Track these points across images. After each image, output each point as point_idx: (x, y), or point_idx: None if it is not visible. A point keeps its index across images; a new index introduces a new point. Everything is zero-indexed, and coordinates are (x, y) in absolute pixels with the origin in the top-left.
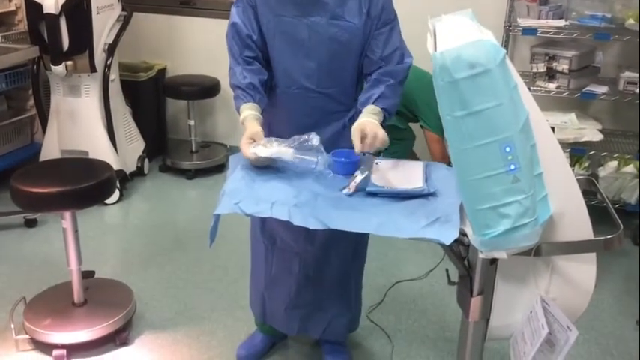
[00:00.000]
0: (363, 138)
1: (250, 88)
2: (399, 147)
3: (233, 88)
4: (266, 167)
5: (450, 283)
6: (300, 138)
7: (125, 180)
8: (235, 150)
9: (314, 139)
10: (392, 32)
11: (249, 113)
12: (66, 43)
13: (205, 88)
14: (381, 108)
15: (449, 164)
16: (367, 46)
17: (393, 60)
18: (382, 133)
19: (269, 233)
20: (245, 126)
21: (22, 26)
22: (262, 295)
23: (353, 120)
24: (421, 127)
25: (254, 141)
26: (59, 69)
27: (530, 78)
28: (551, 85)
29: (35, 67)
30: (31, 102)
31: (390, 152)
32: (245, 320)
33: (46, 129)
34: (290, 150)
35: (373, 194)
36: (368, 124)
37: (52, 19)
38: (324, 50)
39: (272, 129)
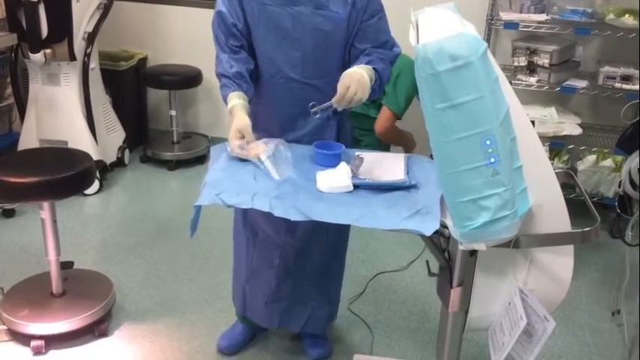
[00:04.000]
0: (346, 88)
1: (238, 77)
2: (370, 139)
3: (219, 77)
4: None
5: (430, 274)
6: (274, 144)
7: (105, 170)
8: (217, 141)
9: (289, 152)
10: (380, 23)
11: (238, 102)
12: (45, 31)
13: (187, 78)
14: (373, 67)
15: (385, 146)
16: (355, 37)
17: (384, 48)
18: (362, 89)
19: (251, 225)
20: (233, 115)
21: (0, 13)
22: (243, 289)
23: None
24: (381, 103)
25: (242, 135)
26: (38, 57)
27: (511, 72)
28: (532, 79)
29: (13, 54)
30: (9, 90)
31: (362, 145)
32: (225, 311)
33: (24, 118)
34: (268, 160)
35: (355, 186)
36: (355, 74)
37: (31, 6)
38: (309, 40)
39: (257, 119)
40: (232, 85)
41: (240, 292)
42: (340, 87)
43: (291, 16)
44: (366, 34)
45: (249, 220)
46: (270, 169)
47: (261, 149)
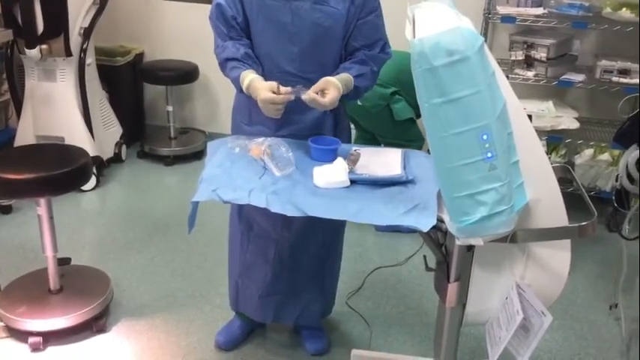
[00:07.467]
0: (322, 92)
1: (246, 57)
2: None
3: (225, 62)
4: (244, 154)
5: (428, 269)
6: (275, 143)
7: (102, 166)
8: (214, 136)
9: (290, 153)
10: (376, 20)
11: (255, 76)
12: (40, 26)
13: (184, 74)
14: (355, 85)
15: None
16: (351, 33)
17: (375, 48)
18: (329, 100)
19: (246, 220)
20: (254, 85)
21: None
22: (236, 284)
23: (333, 107)
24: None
25: (274, 91)
26: (33, 53)
27: (508, 66)
28: (529, 73)
29: (9, 50)
30: (5, 86)
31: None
32: (223, 307)
33: (20, 114)
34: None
35: (351, 181)
36: (333, 84)
37: (26, 2)
38: (307, 35)
39: (254, 113)
40: (242, 65)
41: (234, 287)
42: (316, 86)
43: (291, 11)
44: (362, 31)
45: (244, 215)
46: (271, 166)
47: (262, 147)
